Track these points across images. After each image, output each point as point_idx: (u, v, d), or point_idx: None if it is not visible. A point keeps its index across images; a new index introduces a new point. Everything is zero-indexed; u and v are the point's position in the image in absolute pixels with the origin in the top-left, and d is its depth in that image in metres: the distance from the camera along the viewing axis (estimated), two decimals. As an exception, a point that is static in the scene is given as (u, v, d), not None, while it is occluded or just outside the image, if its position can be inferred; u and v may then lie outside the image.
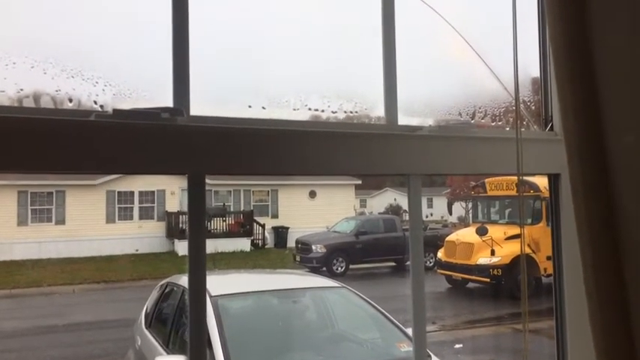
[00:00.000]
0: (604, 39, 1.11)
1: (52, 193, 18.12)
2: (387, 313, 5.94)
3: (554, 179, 1.82)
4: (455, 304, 12.54)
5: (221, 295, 5.55)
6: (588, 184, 1.08)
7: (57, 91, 1.32)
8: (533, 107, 1.95)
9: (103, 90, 1.36)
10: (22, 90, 1.29)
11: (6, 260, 15.32)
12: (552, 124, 1.85)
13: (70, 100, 1.33)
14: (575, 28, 1.10)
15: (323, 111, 1.64)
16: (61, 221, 18.23)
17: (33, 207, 18.09)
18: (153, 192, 19.21)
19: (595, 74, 1.09)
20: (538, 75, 1.91)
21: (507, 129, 1.94)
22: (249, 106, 1.55)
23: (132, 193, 19.02)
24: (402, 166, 1.59)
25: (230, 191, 19.95)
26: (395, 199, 26.50)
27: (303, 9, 1.73)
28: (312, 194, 21.04)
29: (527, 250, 10.83)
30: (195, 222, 1.39)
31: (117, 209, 18.95)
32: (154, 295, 7.27)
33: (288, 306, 6.34)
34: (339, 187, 21.44)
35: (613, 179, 1.07)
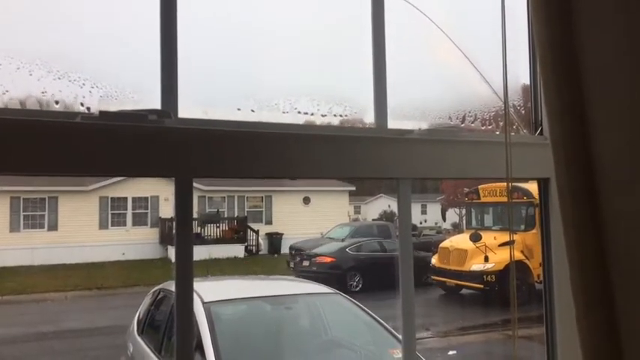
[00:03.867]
0: (590, 45, 1.11)
1: (44, 199, 18.01)
2: (380, 320, 5.93)
3: (543, 183, 1.82)
4: (448, 310, 12.52)
5: (214, 302, 5.51)
6: (574, 187, 1.08)
7: (43, 93, 1.31)
8: (523, 112, 1.95)
9: (90, 92, 1.35)
10: (7, 92, 1.28)
11: (-3, 267, 15.21)
12: (542, 129, 1.85)
13: (57, 102, 1.32)
14: (562, 33, 1.10)
15: (312, 114, 1.63)
16: (53, 227, 18.11)
17: (25, 213, 17.96)
18: (146, 198, 19.12)
19: (581, 80, 1.09)
20: (528, 80, 1.91)
21: (497, 133, 1.94)
22: (238, 109, 1.54)
23: (125, 199, 18.93)
24: (391, 170, 1.59)
25: (224, 197, 19.88)
26: (389, 206, 26.50)
27: (292, 12, 1.73)
28: (307, 200, 21.01)
29: (521, 257, 10.85)
30: (183, 225, 1.38)
31: (110, 215, 18.85)
32: (147, 301, 7.22)
33: (281, 312, 6.31)
34: (333, 193, 21.42)
35: (599, 183, 1.07)
